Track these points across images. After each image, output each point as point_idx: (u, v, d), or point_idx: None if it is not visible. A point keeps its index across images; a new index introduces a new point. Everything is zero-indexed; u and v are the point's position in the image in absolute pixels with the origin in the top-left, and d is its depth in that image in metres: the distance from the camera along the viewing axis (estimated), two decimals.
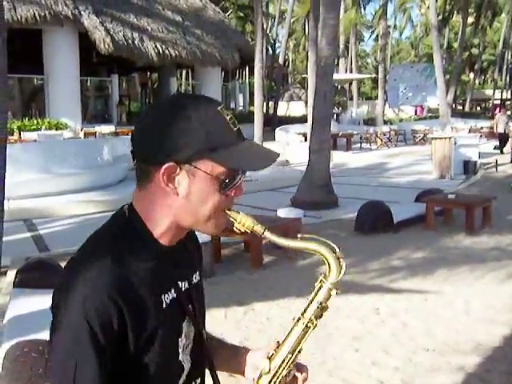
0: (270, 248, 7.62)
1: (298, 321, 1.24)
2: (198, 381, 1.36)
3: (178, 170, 1.13)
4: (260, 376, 1.27)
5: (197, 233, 1.41)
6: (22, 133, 15.12)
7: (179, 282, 1.25)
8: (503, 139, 20.86)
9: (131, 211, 1.21)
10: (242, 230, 1.22)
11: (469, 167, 15.42)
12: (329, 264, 1.22)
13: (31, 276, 5.38)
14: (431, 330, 4.96)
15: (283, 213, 8.22)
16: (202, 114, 1.14)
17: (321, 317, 1.25)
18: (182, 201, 1.16)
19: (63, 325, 1.10)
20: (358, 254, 7.46)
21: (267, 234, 1.21)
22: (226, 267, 7.00)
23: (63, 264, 4.59)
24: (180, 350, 1.23)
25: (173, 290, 1.22)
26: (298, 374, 1.31)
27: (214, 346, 1.44)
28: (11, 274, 6.17)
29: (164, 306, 1.18)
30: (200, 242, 1.51)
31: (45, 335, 3.60)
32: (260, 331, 4.94)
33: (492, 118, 40.71)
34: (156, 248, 1.19)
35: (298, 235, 1.24)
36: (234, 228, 1.22)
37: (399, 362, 4.31)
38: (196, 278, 1.33)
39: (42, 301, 4.65)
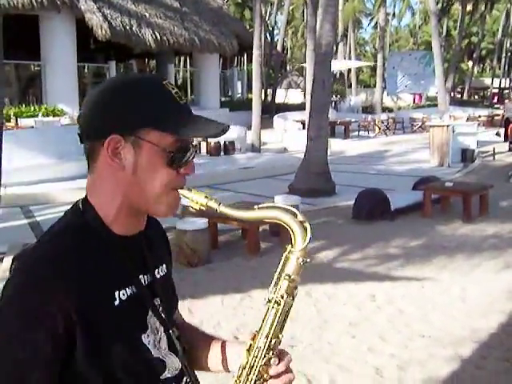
0: (267, 235, 7.64)
1: (269, 301, 1.15)
2: (189, 377, 1.28)
3: (123, 142, 1.08)
4: (240, 372, 1.18)
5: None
6: (18, 119, 15.06)
7: (140, 276, 1.17)
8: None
9: (84, 202, 1.16)
10: (197, 208, 1.15)
11: (467, 155, 15.40)
12: (292, 230, 1.12)
13: None
14: (427, 316, 4.98)
15: (280, 200, 8.21)
16: (146, 87, 1.10)
17: (293, 295, 1.15)
18: (129, 176, 1.10)
19: (4, 323, 1.04)
20: (355, 241, 7.48)
21: (222, 209, 1.13)
22: (223, 254, 7.01)
23: None
24: (150, 347, 1.16)
25: (132, 285, 1.14)
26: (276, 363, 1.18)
27: (194, 337, 1.37)
28: (8, 261, 6.17)
29: (117, 302, 1.10)
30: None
31: None
32: (257, 318, 4.91)
33: (490, 106, 40.74)
34: (108, 239, 1.13)
35: (255, 206, 1.13)
36: (189, 208, 1.14)
37: (395, 348, 4.33)
38: (162, 271, 1.25)
39: None
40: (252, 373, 1.17)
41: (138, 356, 1.13)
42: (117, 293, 1.11)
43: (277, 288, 1.15)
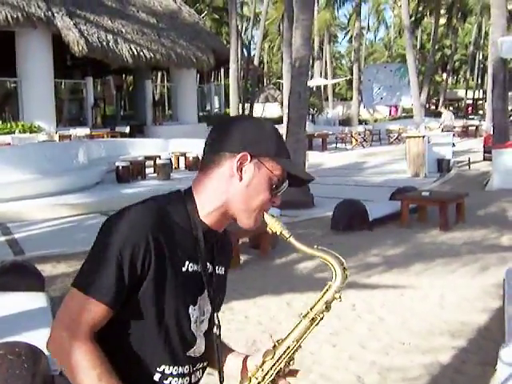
0: (247, 248, 7.66)
1: (305, 316, 1.44)
2: (203, 365, 1.52)
3: (249, 160, 1.39)
4: (263, 362, 1.43)
5: None
6: None
7: (207, 263, 1.44)
8: None
9: (187, 191, 1.45)
10: (272, 232, 1.45)
11: (442, 165, 15.60)
12: (335, 272, 1.42)
13: (6, 279, 5.32)
14: (407, 324, 5.03)
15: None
16: (274, 130, 1.46)
17: (322, 316, 1.44)
18: (241, 187, 1.39)
19: (100, 243, 1.34)
20: (335, 251, 7.50)
21: (291, 240, 1.45)
22: None
23: (39, 267, 4.61)
24: (192, 319, 1.41)
25: (199, 264, 1.41)
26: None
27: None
28: None
29: (184, 269, 1.38)
30: None
31: (21, 338, 3.54)
32: (238, 329, 4.96)
33: (465, 117, 41.34)
34: (196, 222, 1.41)
35: (314, 246, 1.45)
36: (267, 229, 1.44)
37: (376, 355, 4.36)
38: (221, 270, 1.52)
39: (17, 303, 4.63)
40: (275, 365, 1.43)
41: (180, 320, 1.39)
42: (187, 262, 1.40)
43: (315, 308, 1.44)
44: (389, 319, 5.16)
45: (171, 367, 1.41)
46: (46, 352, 3.17)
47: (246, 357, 1.57)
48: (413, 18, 40.42)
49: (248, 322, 5.14)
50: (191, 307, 1.41)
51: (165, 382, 1.40)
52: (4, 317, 4.38)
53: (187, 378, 1.44)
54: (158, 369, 1.39)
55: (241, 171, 1.39)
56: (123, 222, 1.33)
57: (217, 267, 1.49)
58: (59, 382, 1.33)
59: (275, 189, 1.42)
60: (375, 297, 5.79)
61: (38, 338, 3.29)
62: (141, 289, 1.33)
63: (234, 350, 1.63)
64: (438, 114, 38.79)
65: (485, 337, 4.67)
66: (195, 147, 14.97)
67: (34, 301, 4.68)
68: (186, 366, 1.44)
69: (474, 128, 29.50)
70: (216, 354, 1.50)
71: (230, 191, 1.40)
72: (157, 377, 1.39)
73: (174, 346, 1.39)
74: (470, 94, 54.82)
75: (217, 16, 45.02)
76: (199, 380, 1.52)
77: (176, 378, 1.42)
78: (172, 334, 1.38)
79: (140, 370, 1.38)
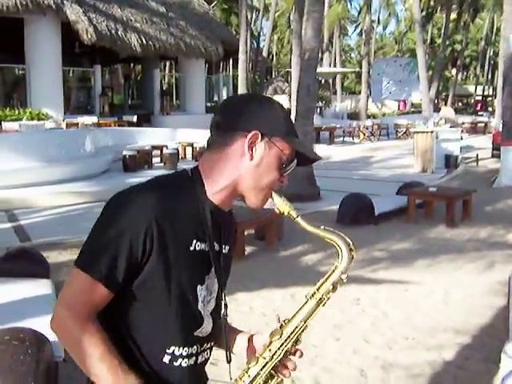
0: (252, 239, 7.66)
1: (311, 296, 1.43)
2: (210, 345, 1.51)
3: (260, 139, 1.38)
4: (270, 342, 1.42)
5: None
6: (2, 123, 14.98)
7: (214, 242, 1.43)
8: None
9: (194, 170, 1.43)
10: (280, 212, 1.44)
11: (450, 161, 15.54)
12: (342, 253, 1.43)
13: (12, 265, 5.35)
14: (411, 319, 5.02)
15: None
16: (283, 109, 1.46)
17: (329, 296, 1.44)
18: (252, 166, 1.39)
19: (103, 223, 1.34)
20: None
21: (298, 219, 1.44)
22: None
23: (45, 254, 4.62)
24: (199, 299, 1.42)
25: (206, 244, 1.40)
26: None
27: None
28: None
29: (191, 248, 1.37)
30: None
31: (26, 324, 3.55)
32: (242, 320, 4.95)
33: (474, 113, 41.16)
34: (203, 201, 1.40)
35: (321, 226, 1.45)
36: (275, 209, 1.44)
37: (379, 350, 4.36)
38: (225, 249, 1.50)
39: (23, 289, 4.65)
40: (284, 344, 1.42)
41: (188, 300, 1.40)
42: (194, 241, 1.38)
43: (321, 288, 1.44)
44: (393, 314, 5.15)
45: (180, 348, 1.41)
46: (50, 338, 3.18)
47: (251, 336, 1.57)
48: (424, 12, 40.12)
49: (252, 313, 5.14)
50: (199, 286, 1.41)
51: (175, 363, 1.41)
52: (9, 303, 4.40)
53: (194, 358, 1.45)
54: (167, 350, 1.40)
55: (252, 150, 1.38)
56: (126, 204, 1.32)
57: (223, 246, 1.48)
58: (63, 368, 1.35)
59: (284, 168, 1.43)
60: (380, 291, 5.79)
61: (43, 324, 3.30)
62: (144, 271, 1.33)
63: (238, 329, 1.64)
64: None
65: (489, 334, 4.66)
66: (202, 137, 14.96)
67: (39, 287, 4.70)
68: (194, 347, 1.44)
69: (483, 125, 29.35)
70: (224, 333, 1.50)
71: (240, 170, 1.40)
72: (166, 359, 1.40)
73: (182, 326, 1.40)
74: (479, 90, 54.53)
75: (226, 6, 44.82)
76: (207, 360, 1.52)
77: (186, 359, 1.42)
78: (180, 314, 1.39)
79: (150, 353, 1.39)
